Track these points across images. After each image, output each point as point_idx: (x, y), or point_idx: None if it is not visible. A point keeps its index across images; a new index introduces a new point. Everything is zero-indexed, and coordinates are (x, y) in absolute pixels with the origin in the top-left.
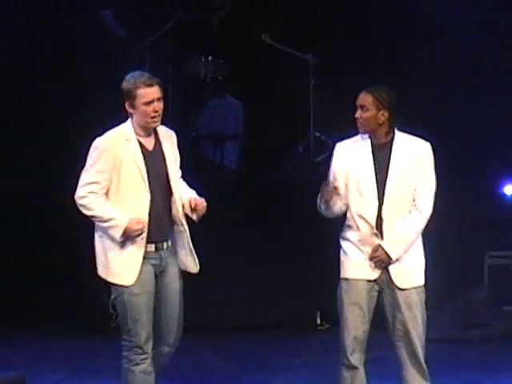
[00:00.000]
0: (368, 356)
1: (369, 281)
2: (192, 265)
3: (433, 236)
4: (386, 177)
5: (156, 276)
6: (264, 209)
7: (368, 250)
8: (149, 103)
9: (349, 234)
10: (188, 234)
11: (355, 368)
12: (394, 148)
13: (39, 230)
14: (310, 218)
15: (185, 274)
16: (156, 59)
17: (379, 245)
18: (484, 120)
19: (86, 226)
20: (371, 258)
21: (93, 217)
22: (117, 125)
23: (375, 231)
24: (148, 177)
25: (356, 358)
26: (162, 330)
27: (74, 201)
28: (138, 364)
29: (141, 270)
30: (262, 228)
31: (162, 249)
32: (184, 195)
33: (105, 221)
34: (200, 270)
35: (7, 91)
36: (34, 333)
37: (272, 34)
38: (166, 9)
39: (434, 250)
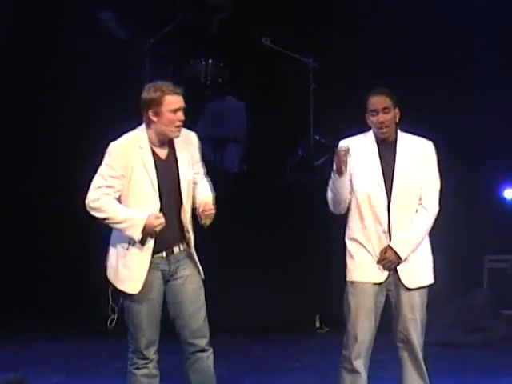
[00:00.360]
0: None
1: (376, 284)
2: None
3: (433, 239)
4: (393, 175)
5: (168, 281)
6: (264, 212)
7: (376, 250)
8: (175, 111)
9: (356, 234)
10: (192, 242)
11: (357, 373)
12: (398, 147)
13: (39, 231)
14: (311, 221)
15: None
16: (156, 61)
17: (388, 246)
18: (484, 124)
19: (86, 229)
20: (380, 261)
21: (106, 219)
22: (131, 129)
23: (385, 230)
24: (158, 185)
25: (360, 364)
26: (187, 333)
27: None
28: (139, 368)
29: (146, 277)
30: (262, 231)
31: (172, 253)
32: (199, 196)
33: (119, 222)
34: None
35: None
36: (34, 334)
37: (272, 37)
38: (167, 11)
39: (434, 254)
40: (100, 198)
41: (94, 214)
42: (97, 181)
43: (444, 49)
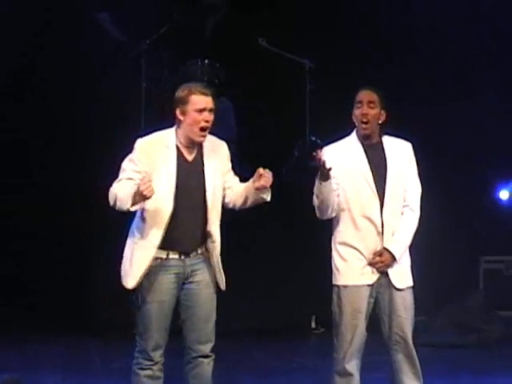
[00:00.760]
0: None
1: (369, 285)
2: (219, 281)
3: (428, 241)
4: (385, 178)
5: (183, 284)
6: (259, 213)
7: (369, 253)
8: (200, 111)
9: (347, 237)
10: (218, 251)
11: (350, 375)
12: (386, 150)
13: (39, 231)
14: (306, 223)
15: None
16: (152, 62)
17: (384, 248)
18: (480, 126)
19: (86, 229)
20: (374, 263)
21: (117, 201)
22: (160, 129)
23: (380, 232)
24: (177, 185)
25: (353, 366)
26: (193, 338)
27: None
28: (143, 369)
29: (159, 280)
30: (258, 233)
31: (188, 256)
32: (241, 186)
33: (122, 198)
34: None
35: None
36: (31, 335)
37: (269, 38)
38: (163, 12)
39: (430, 255)
40: (115, 187)
41: (111, 202)
42: (120, 175)
43: (442, 52)
